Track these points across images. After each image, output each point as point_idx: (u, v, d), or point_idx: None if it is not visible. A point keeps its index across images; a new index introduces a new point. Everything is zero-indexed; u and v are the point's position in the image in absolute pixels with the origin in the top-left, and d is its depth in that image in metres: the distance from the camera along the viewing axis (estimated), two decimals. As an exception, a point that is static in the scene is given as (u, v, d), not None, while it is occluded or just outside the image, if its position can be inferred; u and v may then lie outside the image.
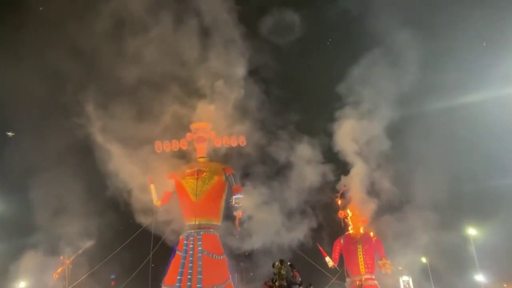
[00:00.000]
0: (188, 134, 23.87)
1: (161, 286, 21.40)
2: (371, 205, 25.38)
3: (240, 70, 24.22)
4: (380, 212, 25.45)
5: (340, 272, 25.07)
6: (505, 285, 34.79)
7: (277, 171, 25.56)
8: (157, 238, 23.12)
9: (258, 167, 25.17)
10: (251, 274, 26.78)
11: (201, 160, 23.70)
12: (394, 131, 26.30)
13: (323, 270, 24.90)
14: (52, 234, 26.14)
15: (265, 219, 22.77)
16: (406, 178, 26.22)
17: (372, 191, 25.96)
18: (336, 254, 25.12)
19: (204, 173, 22.59)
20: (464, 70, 27.41)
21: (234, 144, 23.71)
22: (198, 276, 20.20)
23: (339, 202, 26.67)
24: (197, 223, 21.93)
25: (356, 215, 25.73)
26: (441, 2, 30.02)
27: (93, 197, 26.22)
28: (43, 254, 25.86)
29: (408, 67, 25.94)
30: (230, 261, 22.77)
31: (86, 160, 25.02)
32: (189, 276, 20.31)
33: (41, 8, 25.61)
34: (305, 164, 25.17)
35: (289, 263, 16.26)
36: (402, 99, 26.45)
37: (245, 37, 24.54)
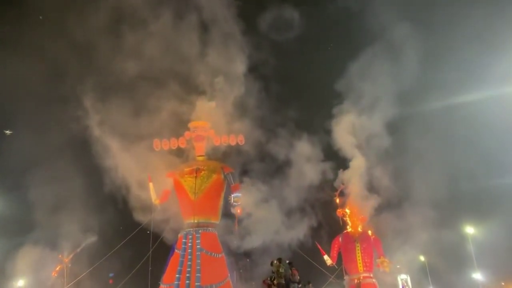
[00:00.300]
0: (187, 133, 23.81)
1: (159, 284, 21.40)
2: (370, 201, 25.37)
3: (239, 66, 24.19)
4: (379, 210, 25.52)
5: (339, 270, 25.14)
6: (503, 283, 34.96)
7: (275, 169, 25.61)
8: (156, 237, 23.15)
9: (256, 165, 25.22)
10: (250, 272, 26.81)
11: (200, 158, 23.66)
12: (393, 129, 26.38)
13: (321, 269, 24.96)
14: (50, 232, 26.15)
15: (263, 218, 22.80)
16: (404, 176, 26.29)
17: (371, 188, 26.01)
18: (334, 253, 25.16)
19: (203, 172, 22.55)
20: (463, 69, 27.48)
21: (233, 143, 23.65)
22: (197, 275, 20.18)
23: (338, 200, 26.71)
24: (195, 221, 21.91)
25: (355, 213, 25.75)
26: (441, 1, 30.03)
27: (91, 196, 26.28)
28: (41, 252, 25.87)
29: (407, 66, 25.96)
30: (228, 259, 22.78)
31: (85, 159, 25.04)
32: (187, 275, 20.29)
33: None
34: (304, 161, 25.21)
35: (287, 262, 16.29)
36: (401, 97, 26.54)
37: (245, 33, 24.54)
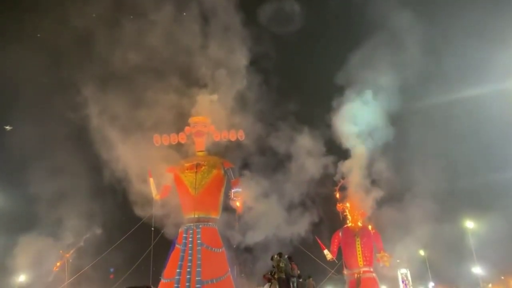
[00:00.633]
0: (187, 128, 23.81)
1: (160, 279, 21.48)
2: (370, 195, 25.29)
3: (240, 59, 24.10)
4: (378, 204, 25.51)
5: (339, 265, 25.19)
6: (502, 277, 35.05)
7: (275, 164, 25.58)
8: (156, 232, 23.20)
9: (256, 159, 25.19)
10: (250, 267, 26.87)
11: (200, 154, 23.67)
12: (393, 122, 26.27)
13: (321, 263, 25.01)
14: (51, 228, 26.20)
15: (263, 213, 22.82)
16: (404, 170, 26.27)
17: (371, 181, 25.89)
18: (334, 247, 25.20)
19: (203, 167, 22.59)
20: (465, 64, 27.39)
21: (233, 138, 23.65)
22: (197, 269, 20.26)
23: (338, 195, 26.71)
24: (196, 216, 21.97)
25: (355, 208, 25.76)
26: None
27: (92, 191, 26.27)
28: (42, 247, 25.93)
29: (408, 59, 25.92)
30: (229, 254, 22.84)
31: (86, 154, 25.03)
32: (188, 269, 20.37)
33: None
34: (305, 155, 25.12)
35: (286, 256, 16.30)
36: (402, 90, 26.39)
37: (245, 26, 24.39)
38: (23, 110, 27.18)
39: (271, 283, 15.56)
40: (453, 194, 28.05)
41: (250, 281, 26.37)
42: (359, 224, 25.31)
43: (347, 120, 26.03)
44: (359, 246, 24.32)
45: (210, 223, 22.19)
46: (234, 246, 23.94)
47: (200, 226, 21.78)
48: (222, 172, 22.93)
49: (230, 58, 24.11)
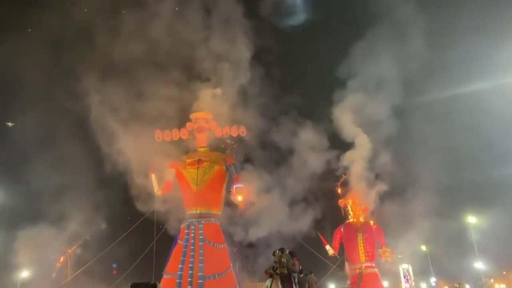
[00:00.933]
0: (188, 124, 23.78)
1: (162, 275, 21.56)
2: (371, 189, 25.16)
3: (242, 53, 23.99)
4: (380, 199, 25.46)
5: (341, 260, 25.20)
6: (504, 272, 35.05)
7: (277, 159, 25.53)
8: (158, 228, 23.27)
9: (257, 155, 25.15)
10: (252, 262, 26.93)
11: (202, 149, 23.66)
12: (395, 117, 26.14)
13: (323, 259, 25.04)
14: (54, 224, 26.28)
15: (265, 208, 22.83)
16: (406, 165, 26.19)
17: (372, 175, 25.79)
18: (336, 243, 25.18)
19: (205, 163, 22.60)
20: (467, 58, 27.25)
21: (235, 134, 23.62)
22: (200, 265, 20.32)
23: (339, 190, 26.67)
24: (198, 212, 22.01)
25: (356, 203, 25.73)
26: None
27: (94, 187, 26.33)
28: (44, 243, 26.02)
29: (411, 53, 25.77)
30: (231, 249, 22.88)
31: (87, 149, 25.08)
32: (190, 265, 20.44)
33: None
34: (307, 150, 25.03)
35: (288, 252, 16.30)
36: (404, 84, 26.26)
37: (246, 18, 24.26)
38: (25, 105, 27.22)
39: (273, 278, 15.58)
40: (455, 189, 28.03)
41: (252, 276, 26.47)
42: (361, 219, 25.29)
43: (350, 112, 25.85)
44: (361, 241, 24.30)
45: (212, 219, 22.22)
46: (236, 241, 23.99)
47: (202, 221, 21.81)
48: (224, 168, 22.93)
49: (232, 51, 24.01)
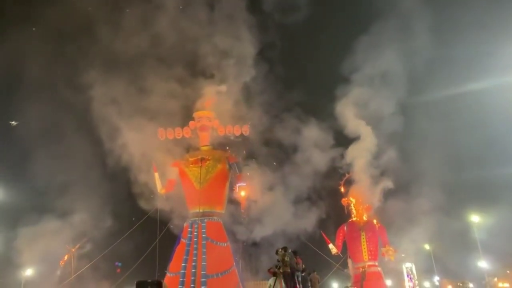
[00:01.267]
0: (191, 122, 23.80)
1: (166, 273, 21.59)
2: (375, 186, 25.05)
3: (246, 49, 23.95)
4: (384, 198, 25.36)
5: (344, 259, 25.16)
6: (508, 271, 34.91)
7: (281, 156, 25.44)
8: (162, 226, 23.27)
9: (261, 152, 25.07)
10: (255, 261, 26.90)
11: (205, 148, 23.66)
12: (398, 115, 26.00)
13: (326, 257, 24.99)
14: (57, 222, 26.29)
15: (269, 207, 22.80)
16: (409, 163, 26.09)
17: (377, 170, 25.64)
18: (339, 242, 25.15)
19: (208, 161, 22.61)
20: (470, 57, 27.15)
21: (238, 133, 23.61)
22: (203, 263, 20.37)
23: (343, 189, 26.62)
24: (201, 210, 22.03)
25: (360, 202, 25.67)
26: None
27: (98, 186, 26.31)
28: (49, 242, 26.04)
29: (414, 50, 25.67)
30: (234, 248, 22.87)
31: (91, 147, 25.09)
32: (193, 263, 20.49)
33: None
34: (311, 147, 24.90)
35: (291, 250, 16.27)
36: (407, 81, 26.11)
37: (250, 13, 24.17)
38: (29, 101, 27.23)
39: (276, 277, 15.57)
40: (459, 187, 27.91)
41: (255, 275, 26.45)
42: (364, 218, 25.24)
43: (354, 106, 25.70)
44: (364, 240, 24.26)
45: (215, 217, 22.25)
46: (240, 240, 23.97)
47: (205, 220, 21.84)
48: (227, 166, 22.94)
49: (236, 47, 23.94)
